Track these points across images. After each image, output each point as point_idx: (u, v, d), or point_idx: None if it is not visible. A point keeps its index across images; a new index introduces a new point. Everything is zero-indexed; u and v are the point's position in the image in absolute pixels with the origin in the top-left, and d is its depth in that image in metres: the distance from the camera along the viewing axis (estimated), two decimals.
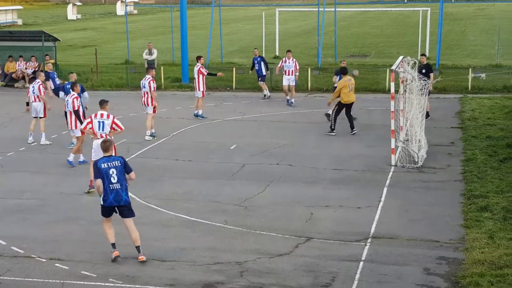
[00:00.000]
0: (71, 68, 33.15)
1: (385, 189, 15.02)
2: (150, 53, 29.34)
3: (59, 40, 32.87)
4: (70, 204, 14.20)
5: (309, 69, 29.54)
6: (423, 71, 21.91)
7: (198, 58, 23.51)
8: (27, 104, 20.24)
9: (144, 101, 20.18)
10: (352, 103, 20.56)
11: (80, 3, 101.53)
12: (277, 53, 40.16)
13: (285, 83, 25.16)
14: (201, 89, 22.95)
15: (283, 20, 57.87)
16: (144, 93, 20.10)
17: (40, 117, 19.74)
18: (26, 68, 30.53)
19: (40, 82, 19.87)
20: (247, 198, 14.41)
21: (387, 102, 22.68)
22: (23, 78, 30.44)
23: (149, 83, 19.95)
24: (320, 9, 35.95)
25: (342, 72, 20.95)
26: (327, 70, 32.28)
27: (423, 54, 24.44)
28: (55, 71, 30.81)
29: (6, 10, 76.31)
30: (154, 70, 21.16)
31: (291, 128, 21.59)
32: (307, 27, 63.01)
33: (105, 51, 44.20)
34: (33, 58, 30.61)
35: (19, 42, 31.94)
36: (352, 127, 20.47)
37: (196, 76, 23.03)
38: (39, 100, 19.67)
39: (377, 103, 25.50)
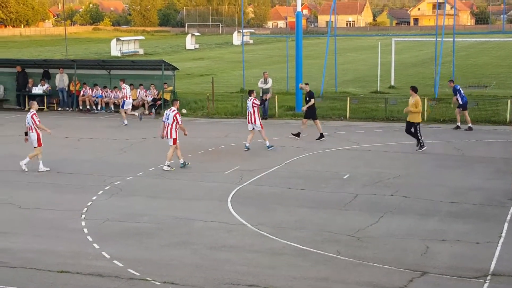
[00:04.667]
0: (188, 96, 34.04)
1: (506, 224, 14.36)
2: (265, 82, 29.66)
3: (178, 69, 33.83)
4: (185, 228, 14.43)
5: (425, 99, 28.93)
6: (307, 98, 24.47)
7: (251, 92, 23.13)
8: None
9: (166, 133, 19.79)
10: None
11: (198, 34, 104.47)
12: (392, 83, 39.65)
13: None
14: (258, 121, 22.65)
15: (399, 50, 57.14)
16: (167, 124, 19.77)
17: (35, 147, 19.89)
18: (146, 96, 31.58)
19: (33, 112, 19.85)
20: (360, 229, 14.16)
21: (507, 134, 21.93)
22: (143, 105, 31.50)
23: (175, 116, 19.71)
24: (438, 39, 35.26)
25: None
26: (444, 100, 31.55)
27: (306, 83, 25.61)
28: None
29: (129, 40, 79.68)
30: (178, 102, 20.77)
31: (406, 159, 21.15)
32: (424, 57, 61.98)
33: (221, 79, 45.12)
34: (152, 86, 31.63)
35: (140, 71, 33.12)
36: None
37: (251, 109, 22.63)
38: (32, 131, 19.73)
39: (497, 135, 24.63)
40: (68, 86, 33.02)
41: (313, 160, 21.13)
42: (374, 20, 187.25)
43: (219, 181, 18.53)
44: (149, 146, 23.69)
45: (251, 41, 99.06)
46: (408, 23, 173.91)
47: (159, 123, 28.53)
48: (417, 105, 21.92)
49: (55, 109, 32.77)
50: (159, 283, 11.40)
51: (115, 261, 12.41)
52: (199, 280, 11.52)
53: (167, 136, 19.90)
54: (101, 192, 17.40)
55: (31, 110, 20.19)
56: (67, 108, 32.95)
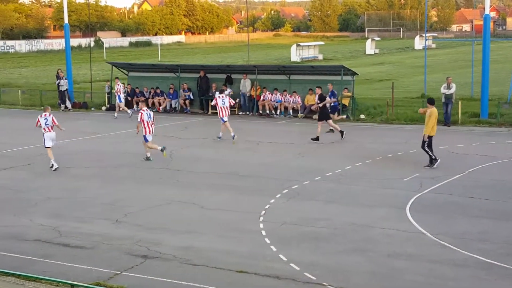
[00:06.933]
0: (367, 102, 33.72)
1: None
2: (449, 87, 28.66)
3: (357, 74, 33.59)
4: (361, 235, 14.24)
5: None
6: (318, 101, 25.97)
7: (223, 91, 28.02)
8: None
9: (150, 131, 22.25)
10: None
11: (378, 38, 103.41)
12: None
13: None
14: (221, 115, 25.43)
15: None
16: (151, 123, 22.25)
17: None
18: None
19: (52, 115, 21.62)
20: None
21: None
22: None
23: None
24: None
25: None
26: None
27: (318, 87, 26.69)
28: (352, 104, 31.58)
29: (308, 46, 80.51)
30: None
31: None
32: None
33: (401, 85, 44.29)
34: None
35: (319, 76, 33.23)
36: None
37: (227, 105, 25.47)
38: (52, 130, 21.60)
39: None
40: (250, 90, 33.89)
41: (500, 169, 20.06)
42: None
43: (397, 188, 18.13)
44: (326, 151, 23.69)
45: (433, 45, 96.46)
46: None
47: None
48: (430, 116, 20.69)
49: (236, 113, 33.74)
50: None
51: (291, 264, 12.49)
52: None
53: (150, 132, 22.29)
54: (279, 195, 17.62)
55: (49, 113, 21.78)
56: (247, 112, 33.82)
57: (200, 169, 20.98)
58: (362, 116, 31.15)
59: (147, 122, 22.12)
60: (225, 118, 25.35)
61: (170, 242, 13.95)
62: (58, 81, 37.01)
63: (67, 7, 40.43)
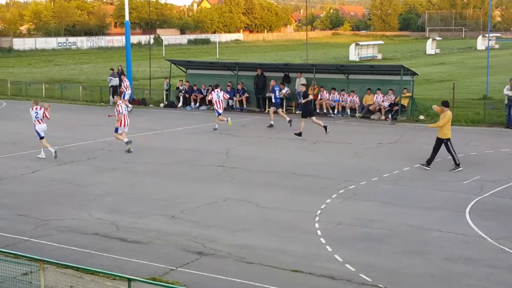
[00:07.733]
0: (427, 102, 33.20)
1: None
2: (511, 89, 28.00)
3: (417, 74, 33.10)
4: (419, 237, 14.02)
5: None
6: (301, 98, 26.84)
7: (218, 85, 29.52)
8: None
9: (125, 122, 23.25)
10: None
11: (439, 38, 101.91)
12: None
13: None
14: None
15: None
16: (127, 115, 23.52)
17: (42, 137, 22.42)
18: (383, 101, 31.31)
19: (43, 109, 22.34)
20: None
21: None
22: (379, 110, 31.26)
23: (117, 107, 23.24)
24: None
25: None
26: None
27: (303, 84, 28.54)
28: (412, 104, 31.13)
29: (367, 45, 79.88)
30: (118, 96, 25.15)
31: None
32: None
33: (462, 85, 43.52)
34: (390, 91, 31.23)
35: (378, 75, 32.90)
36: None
37: (221, 99, 28.06)
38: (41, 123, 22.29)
39: None
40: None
41: None
42: None
43: (456, 190, 17.80)
44: (384, 152, 23.43)
45: (496, 46, 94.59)
46: None
47: (395, 129, 28.26)
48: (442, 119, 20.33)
49: (293, 112, 33.66)
50: None
51: (347, 265, 12.38)
52: None
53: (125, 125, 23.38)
54: (335, 195, 17.49)
55: (40, 107, 22.47)
56: None
57: (256, 167, 20.99)
58: (422, 117, 30.69)
59: (124, 114, 23.14)
60: (220, 111, 27.75)
61: (226, 239, 13.99)
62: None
63: (128, 5, 40.99)
